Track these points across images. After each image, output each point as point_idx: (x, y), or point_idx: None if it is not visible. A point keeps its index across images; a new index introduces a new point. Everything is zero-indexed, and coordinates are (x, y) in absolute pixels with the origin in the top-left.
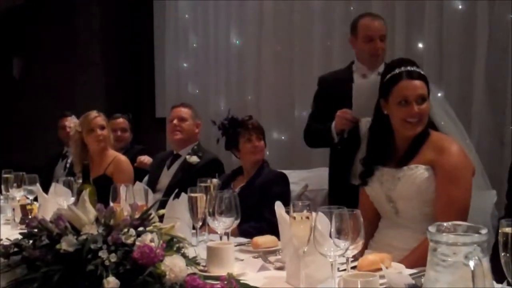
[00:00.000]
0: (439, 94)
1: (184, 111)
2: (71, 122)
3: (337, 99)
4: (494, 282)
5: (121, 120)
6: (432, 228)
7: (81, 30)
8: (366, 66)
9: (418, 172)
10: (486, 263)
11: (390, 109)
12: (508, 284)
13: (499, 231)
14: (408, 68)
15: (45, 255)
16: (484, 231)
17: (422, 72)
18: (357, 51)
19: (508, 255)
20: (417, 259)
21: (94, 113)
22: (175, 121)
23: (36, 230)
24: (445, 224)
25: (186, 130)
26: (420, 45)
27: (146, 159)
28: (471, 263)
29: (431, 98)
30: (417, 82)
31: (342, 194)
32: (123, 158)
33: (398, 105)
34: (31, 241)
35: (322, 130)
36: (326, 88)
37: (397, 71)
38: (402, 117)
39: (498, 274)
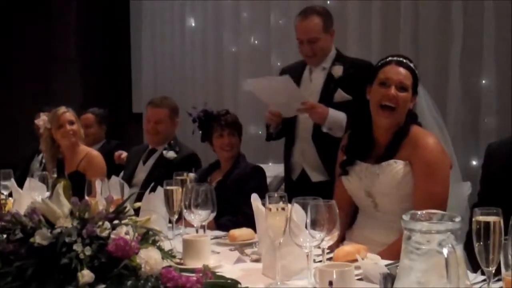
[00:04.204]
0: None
1: (162, 112)
2: (41, 120)
3: None
4: (468, 272)
5: (86, 115)
6: (406, 217)
7: (57, 24)
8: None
9: (397, 168)
10: (459, 251)
11: (372, 92)
12: (482, 273)
13: (473, 219)
14: (401, 58)
15: (18, 249)
16: (457, 218)
17: (412, 66)
18: None
19: (481, 243)
20: (395, 252)
21: (62, 109)
22: (151, 124)
23: (10, 224)
24: (419, 212)
25: (162, 132)
26: (396, 35)
27: (123, 154)
28: (445, 251)
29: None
30: (403, 70)
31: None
32: (95, 153)
33: (379, 86)
34: (4, 235)
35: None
36: None
37: (388, 58)
38: (379, 99)
39: (473, 264)
